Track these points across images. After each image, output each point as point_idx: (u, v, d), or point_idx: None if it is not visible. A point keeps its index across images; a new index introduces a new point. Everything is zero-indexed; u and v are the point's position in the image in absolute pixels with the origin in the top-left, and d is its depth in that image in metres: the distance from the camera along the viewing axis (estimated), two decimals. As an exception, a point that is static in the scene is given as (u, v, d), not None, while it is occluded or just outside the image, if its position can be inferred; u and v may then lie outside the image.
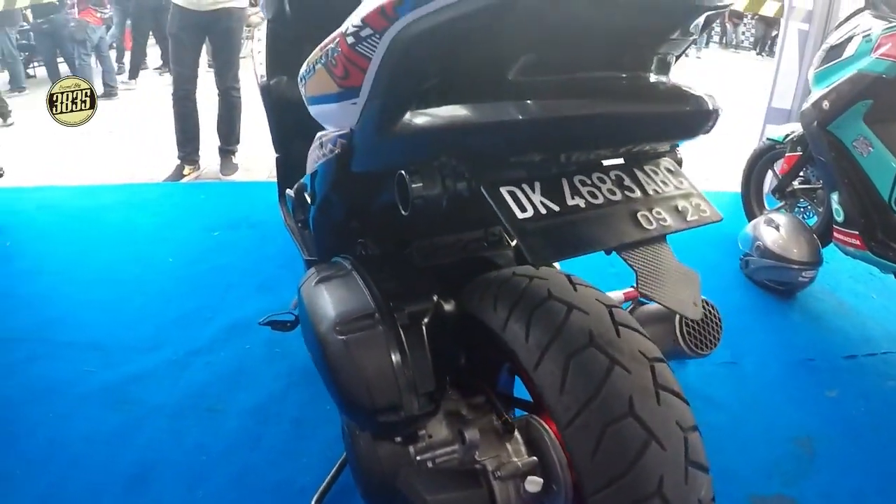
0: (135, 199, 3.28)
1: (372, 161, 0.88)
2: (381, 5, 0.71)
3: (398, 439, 0.88)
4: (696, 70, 8.32)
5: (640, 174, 0.82)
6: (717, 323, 1.17)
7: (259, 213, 3.00)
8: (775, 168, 2.83)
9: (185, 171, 3.72)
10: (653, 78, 0.82)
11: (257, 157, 3.97)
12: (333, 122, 0.95)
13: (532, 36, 0.72)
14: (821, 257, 2.33)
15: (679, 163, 0.90)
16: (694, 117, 0.81)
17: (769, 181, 2.92)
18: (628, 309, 1.22)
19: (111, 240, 2.77)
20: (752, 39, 14.61)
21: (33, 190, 3.40)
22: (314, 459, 1.52)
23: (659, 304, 0.73)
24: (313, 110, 0.99)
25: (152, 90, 6.81)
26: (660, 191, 0.81)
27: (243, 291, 2.31)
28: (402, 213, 0.80)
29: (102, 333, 2.03)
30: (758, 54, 13.50)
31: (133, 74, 7.28)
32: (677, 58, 0.88)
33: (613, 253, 0.76)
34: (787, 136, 2.65)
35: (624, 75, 0.79)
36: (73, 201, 3.24)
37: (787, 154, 2.63)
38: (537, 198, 0.74)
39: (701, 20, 0.79)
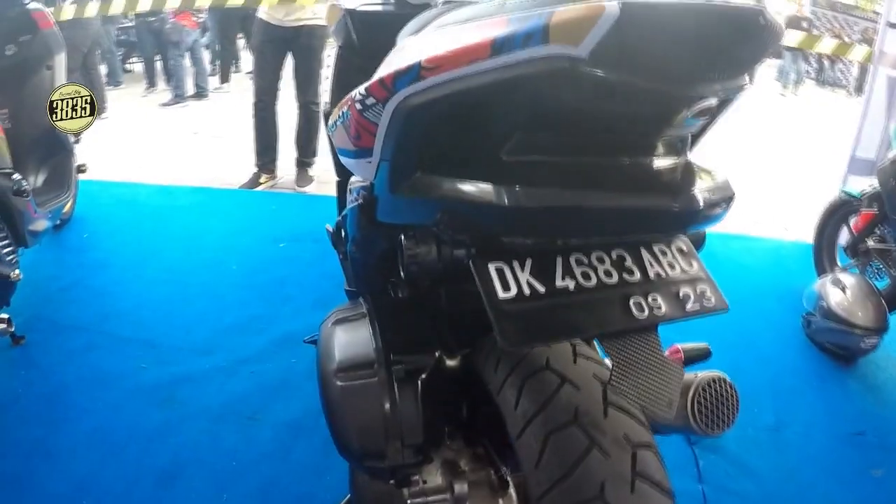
0: (209, 203, 3.49)
1: (389, 215, 0.91)
2: (382, 78, 0.74)
3: (392, 482, 0.90)
4: (784, 108, 7.84)
5: (645, 254, 0.78)
6: (732, 401, 1.12)
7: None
8: (850, 223, 2.68)
9: (262, 180, 3.88)
10: (659, 164, 0.78)
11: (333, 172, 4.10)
12: (357, 172, 0.99)
13: (524, 117, 0.71)
14: (887, 324, 2.18)
15: (700, 240, 0.87)
16: (698, 211, 0.75)
17: (843, 236, 2.77)
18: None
19: (181, 241, 2.95)
20: (850, 78, 13.72)
21: (115, 185, 3.66)
22: (337, 478, 1.56)
23: (629, 398, 0.70)
24: (341, 160, 1.03)
25: (243, 95, 7.18)
26: (663, 274, 0.77)
27: (298, 305, 2.40)
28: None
29: (159, 332, 2.17)
30: (856, 95, 12.69)
31: (224, 78, 7.66)
32: (696, 138, 0.85)
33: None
34: (864, 191, 2.50)
35: (626, 160, 0.76)
36: (151, 199, 3.48)
37: (862, 210, 2.49)
38: (525, 276, 0.72)
39: (707, 104, 0.72)
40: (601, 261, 0.76)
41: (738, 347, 2.21)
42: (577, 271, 0.74)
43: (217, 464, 1.61)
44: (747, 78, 0.73)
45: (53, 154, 2.58)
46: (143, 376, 1.94)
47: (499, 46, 0.63)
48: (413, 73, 0.69)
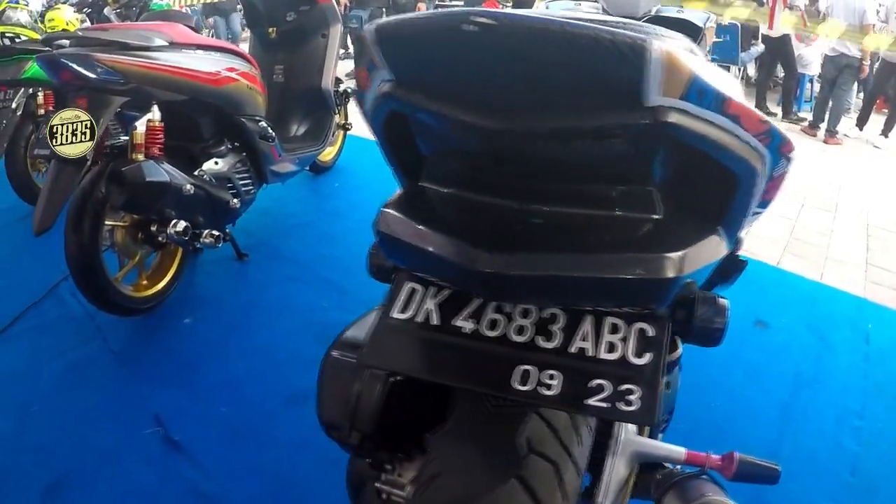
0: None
1: None
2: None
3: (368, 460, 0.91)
4: (872, 162, 4.99)
5: (587, 323, 0.65)
6: None
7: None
8: None
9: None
10: (611, 220, 0.64)
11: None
12: None
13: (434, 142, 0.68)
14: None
15: (665, 326, 0.66)
16: (639, 284, 0.60)
17: None
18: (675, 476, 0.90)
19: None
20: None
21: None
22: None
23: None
24: None
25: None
26: (589, 353, 0.63)
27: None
28: None
29: (355, 282, 2.28)
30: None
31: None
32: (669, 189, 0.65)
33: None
34: None
35: (585, 212, 0.64)
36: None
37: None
38: (432, 303, 0.69)
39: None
40: (525, 315, 0.67)
41: None
42: (488, 317, 0.68)
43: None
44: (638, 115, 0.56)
45: (315, 110, 2.97)
46: (321, 314, 2.15)
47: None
48: None
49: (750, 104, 0.63)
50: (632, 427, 0.94)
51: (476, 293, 0.69)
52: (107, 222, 1.90)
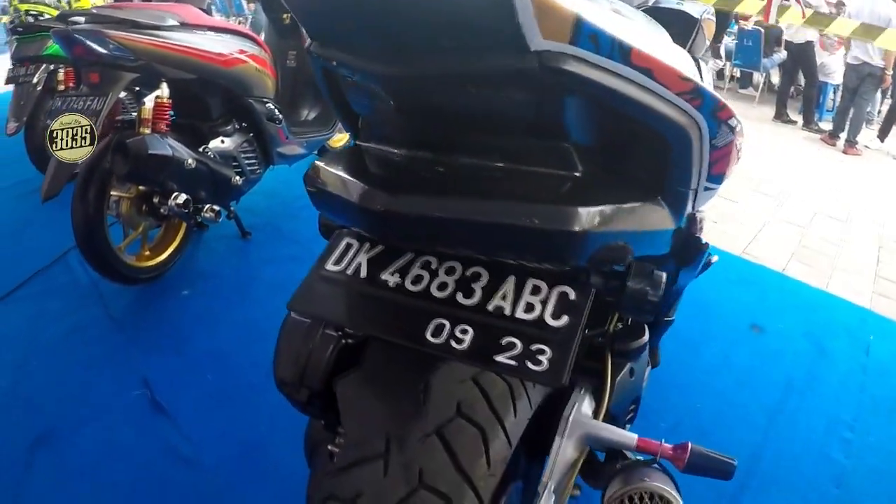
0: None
1: None
2: None
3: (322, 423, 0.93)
4: (891, 174, 4.72)
5: (509, 283, 0.65)
6: None
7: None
8: None
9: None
10: (525, 174, 0.64)
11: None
12: None
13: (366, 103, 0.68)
14: None
15: (589, 291, 0.66)
16: (541, 235, 0.59)
17: None
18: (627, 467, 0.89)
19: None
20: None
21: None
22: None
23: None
24: None
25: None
26: (507, 312, 0.63)
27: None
28: None
29: None
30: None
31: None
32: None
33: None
34: None
35: (500, 164, 0.64)
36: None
37: None
38: (363, 258, 0.71)
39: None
40: (450, 272, 0.69)
41: None
42: (413, 273, 0.69)
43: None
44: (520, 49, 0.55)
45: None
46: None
47: None
48: None
49: (667, 58, 0.61)
50: (585, 409, 0.92)
51: (375, 233, 0.71)
52: (113, 193, 1.97)
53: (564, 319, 0.63)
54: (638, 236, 0.67)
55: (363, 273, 0.71)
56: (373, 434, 0.65)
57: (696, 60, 1.55)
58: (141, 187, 2.03)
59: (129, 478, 1.43)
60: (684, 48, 1.45)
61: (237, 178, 2.21)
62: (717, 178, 0.80)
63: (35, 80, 2.93)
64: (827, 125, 5.84)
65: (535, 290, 0.65)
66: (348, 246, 0.74)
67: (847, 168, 4.88)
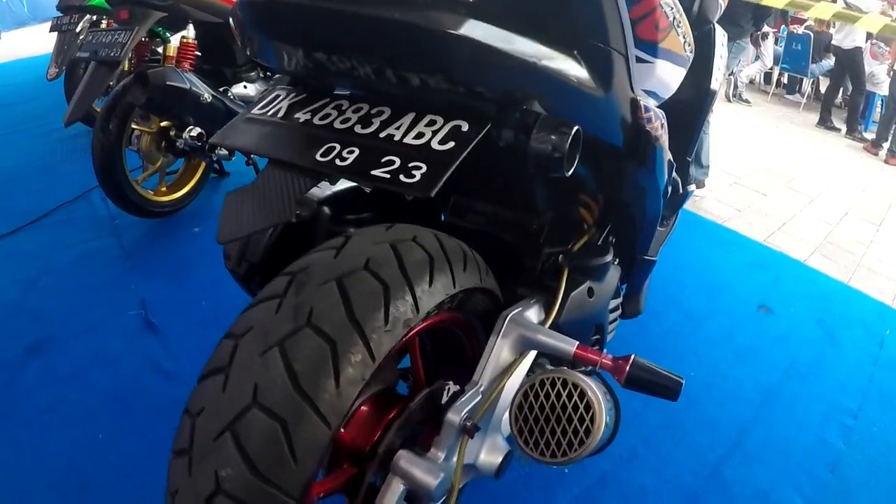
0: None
1: None
2: None
3: None
4: None
5: (407, 118, 0.68)
6: (591, 417, 0.71)
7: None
8: None
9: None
10: None
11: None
12: None
13: None
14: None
15: (484, 126, 0.67)
16: (427, 35, 0.61)
17: None
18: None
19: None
20: None
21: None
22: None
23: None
24: None
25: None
26: (396, 138, 0.66)
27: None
28: None
29: None
30: None
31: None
32: None
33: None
34: None
35: None
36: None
37: None
38: (287, 102, 0.76)
39: None
40: (357, 111, 0.72)
41: None
42: (324, 111, 0.73)
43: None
44: None
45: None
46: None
47: None
48: None
49: None
50: (530, 315, 0.90)
51: (256, 26, 0.75)
52: (134, 127, 2.04)
53: (450, 145, 0.64)
54: (549, 87, 0.68)
55: (281, 114, 0.75)
56: (281, 280, 0.66)
57: (709, 23, 1.53)
58: (162, 123, 2.10)
59: (110, 384, 1.50)
60: (695, 7, 1.43)
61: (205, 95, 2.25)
62: (648, 46, 0.78)
63: (78, 30, 3.05)
64: (871, 135, 5.63)
65: (431, 123, 0.67)
66: (276, 96, 0.78)
67: (887, 176, 4.70)
